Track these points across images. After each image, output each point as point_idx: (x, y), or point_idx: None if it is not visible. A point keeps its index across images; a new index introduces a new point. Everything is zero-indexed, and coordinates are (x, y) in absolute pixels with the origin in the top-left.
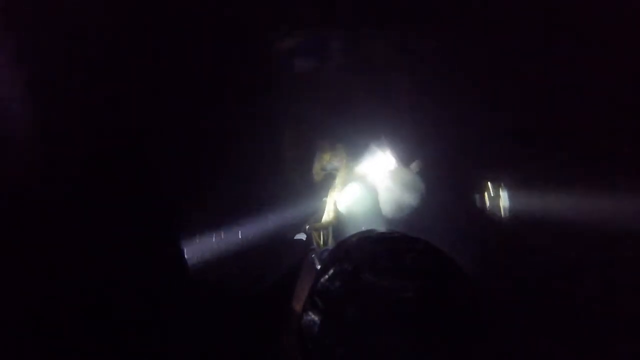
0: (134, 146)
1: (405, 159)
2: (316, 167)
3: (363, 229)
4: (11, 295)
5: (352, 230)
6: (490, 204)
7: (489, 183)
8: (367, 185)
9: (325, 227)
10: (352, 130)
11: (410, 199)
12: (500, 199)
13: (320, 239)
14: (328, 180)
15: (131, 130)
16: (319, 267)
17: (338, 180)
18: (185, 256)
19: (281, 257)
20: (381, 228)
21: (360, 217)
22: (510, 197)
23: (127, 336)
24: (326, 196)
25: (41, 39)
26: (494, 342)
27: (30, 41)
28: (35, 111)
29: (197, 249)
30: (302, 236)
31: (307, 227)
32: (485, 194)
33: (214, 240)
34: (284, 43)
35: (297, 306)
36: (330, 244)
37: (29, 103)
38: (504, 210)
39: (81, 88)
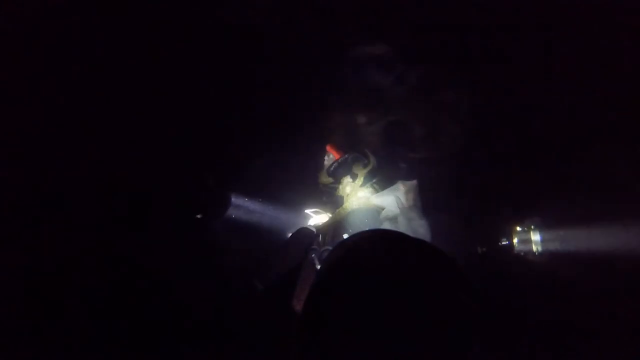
0: None
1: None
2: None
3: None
4: None
5: (352, 230)
6: (520, 244)
7: (517, 227)
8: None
9: (325, 228)
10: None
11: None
12: (531, 238)
13: (320, 239)
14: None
15: None
16: (319, 266)
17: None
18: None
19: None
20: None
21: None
22: (542, 236)
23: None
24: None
25: None
26: (490, 341)
27: None
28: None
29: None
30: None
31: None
32: (514, 235)
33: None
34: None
35: (297, 306)
36: (330, 243)
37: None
38: (536, 248)
39: None
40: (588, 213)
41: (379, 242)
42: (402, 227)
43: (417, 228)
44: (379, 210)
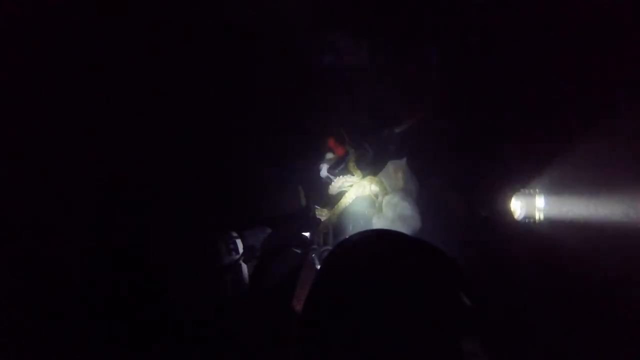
0: None
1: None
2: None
3: (363, 228)
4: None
5: (352, 230)
6: (524, 210)
7: (521, 190)
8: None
9: (325, 228)
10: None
11: (402, 229)
12: (535, 204)
13: (320, 239)
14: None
15: None
16: (319, 266)
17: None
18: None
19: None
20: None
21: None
22: (546, 202)
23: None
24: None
25: None
26: (490, 341)
27: None
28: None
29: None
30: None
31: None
32: (517, 201)
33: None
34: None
35: (297, 306)
36: (330, 243)
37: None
38: (539, 215)
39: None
40: (594, 179)
41: (379, 242)
42: (389, 214)
43: (403, 211)
44: (373, 201)
